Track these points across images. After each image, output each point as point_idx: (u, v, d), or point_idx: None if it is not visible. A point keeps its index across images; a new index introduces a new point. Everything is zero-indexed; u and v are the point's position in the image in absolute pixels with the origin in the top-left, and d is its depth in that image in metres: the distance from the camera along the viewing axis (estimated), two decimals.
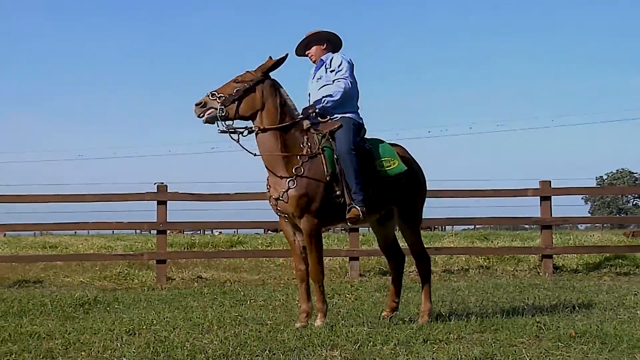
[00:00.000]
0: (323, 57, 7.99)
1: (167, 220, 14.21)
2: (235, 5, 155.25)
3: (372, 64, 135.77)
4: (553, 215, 14.79)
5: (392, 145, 8.07)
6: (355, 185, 7.45)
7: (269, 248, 20.74)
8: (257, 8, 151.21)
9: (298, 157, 7.50)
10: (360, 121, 7.88)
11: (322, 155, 7.54)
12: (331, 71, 7.83)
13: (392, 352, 6.10)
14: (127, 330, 7.44)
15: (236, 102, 7.58)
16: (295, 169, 7.45)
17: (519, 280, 12.77)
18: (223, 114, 7.53)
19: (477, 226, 31.21)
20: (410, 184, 8.02)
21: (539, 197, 14.71)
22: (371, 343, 6.40)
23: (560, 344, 6.39)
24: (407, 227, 8.17)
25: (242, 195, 14.30)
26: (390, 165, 7.73)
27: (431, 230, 34.26)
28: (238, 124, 7.66)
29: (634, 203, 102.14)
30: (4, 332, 7.38)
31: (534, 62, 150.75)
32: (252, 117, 7.65)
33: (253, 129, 7.62)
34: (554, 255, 14.83)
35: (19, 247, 22.35)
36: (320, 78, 7.93)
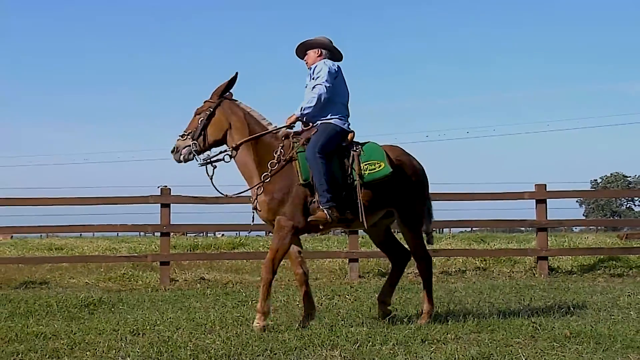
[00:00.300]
0: (312, 65, 8.07)
1: (171, 223, 14.29)
2: (238, 5, 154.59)
3: (370, 67, 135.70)
4: (548, 218, 14.87)
5: (391, 147, 8.12)
6: (319, 187, 7.52)
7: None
8: (257, 8, 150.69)
9: (268, 164, 7.68)
10: (344, 125, 7.90)
11: (296, 160, 7.68)
12: (313, 78, 7.93)
13: (391, 352, 6.21)
14: (131, 330, 7.53)
15: (204, 131, 7.86)
16: (263, 176, 7.66)
17: (515, 282, 12.83)
18: (197, 148, 7.82)
19: (474, 228, 31.20)
20: (406, 186, 7.99)
21: (534, 200, 14.77)
22: (370, 343, 6.51)
23: (555, 344, 6.50)
24: (407, 230, 8.17)
25: (244, 198, 14.37)
26: (375, 169, 7.70)
27: None
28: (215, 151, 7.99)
29: (628, 206, 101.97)
30: (10, 333, 7.47)
31: (529, 67, 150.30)
32: (224, 140, 7.91)
33: (227, 150, 7.90)
34: (549, 257, 14.90)
35: (25, 249, 22.30)
36: (307, 85, 8.05)
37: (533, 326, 7.29)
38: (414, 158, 8.29)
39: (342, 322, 7.81)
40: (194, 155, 7.84)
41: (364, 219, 7.68)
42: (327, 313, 8.61)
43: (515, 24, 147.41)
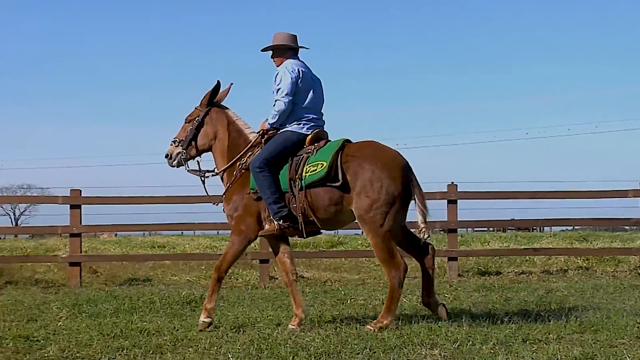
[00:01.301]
0: (277, 67, 8.02)
1: None
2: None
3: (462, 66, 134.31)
4: None
5: (361, 142, 7.73)
6: (266, 201, 7.54)
7: (369, 248, 20.76)
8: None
9: (233, 173, 7.88)
10: (302, 130, 7.80)
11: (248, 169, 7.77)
12: (275, 87, 7.87)
13: (491, 351, 6.15)
14: (232, 327, 7.66)
15: (193, 142, 8.15)
16: (226, 186, 7.93)
17: (619, 282, 12.51)
18: (186, 157, 8.16)
19: (576, 227, 30.61)
20: (348, 185, 7.42)
21: (639, 199, 14.48)
22: (470, 342, 6.47)
23: None
24: (367, 231, 7.58)
25: None
26: (315, 170, 7.42)
27: (529, 231, 33.88)
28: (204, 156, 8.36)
29: None
30: (115, 329, 7.64)
31: (630, 63, 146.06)
32: (210, 147, 8.20)
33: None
34: None
35: (129, 246, 22.83)
36: (273, 91, 7.95)
37: (638, 327, 7.11)
38: (391, 152, 7.66)
39: (442, 321, 7.75)
40: (183, 162, 8.21)
41: (302, 224, 7.58)
42: (426, 312, 8.56)
43: (609, 21, 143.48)
